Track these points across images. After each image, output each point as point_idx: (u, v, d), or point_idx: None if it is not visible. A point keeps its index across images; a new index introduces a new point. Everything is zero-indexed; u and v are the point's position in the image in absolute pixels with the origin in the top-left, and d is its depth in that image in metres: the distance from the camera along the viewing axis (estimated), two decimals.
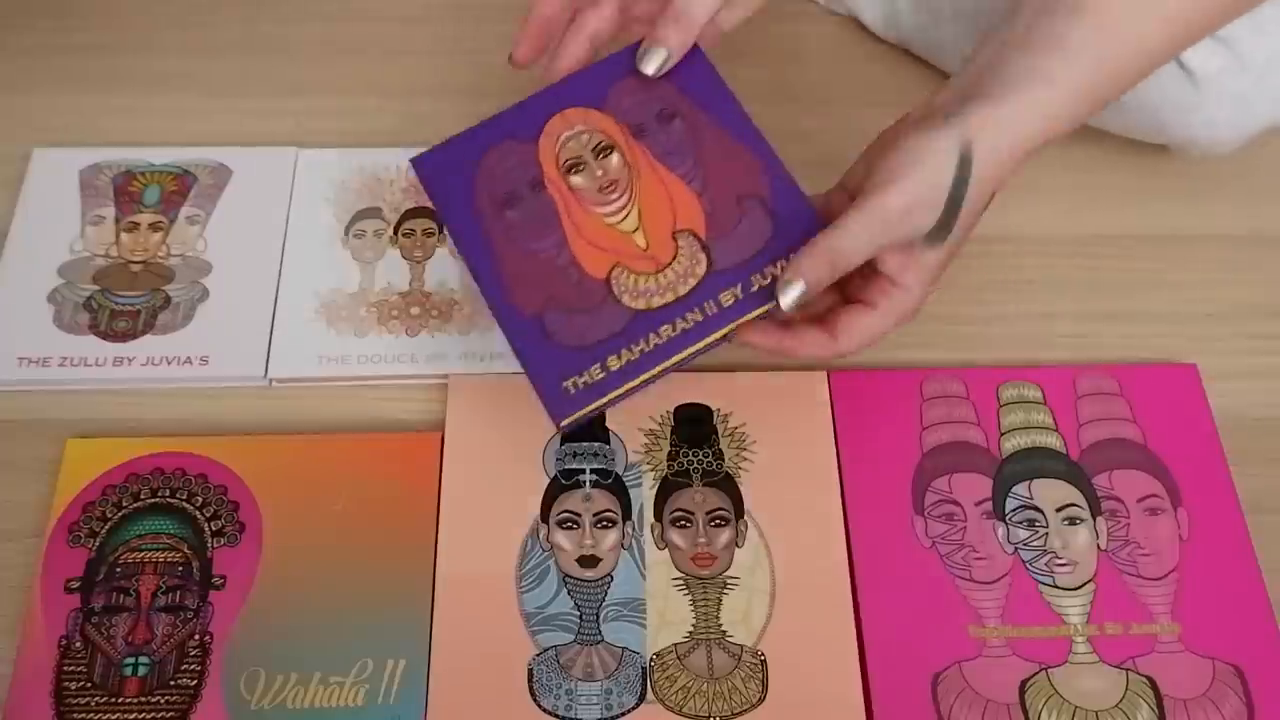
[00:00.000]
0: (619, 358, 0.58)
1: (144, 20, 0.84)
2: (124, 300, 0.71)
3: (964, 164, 0.54)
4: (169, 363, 0.69)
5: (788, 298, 0.56)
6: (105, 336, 0.70)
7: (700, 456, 0.66)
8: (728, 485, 0.65)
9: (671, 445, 0.66)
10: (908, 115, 0.60)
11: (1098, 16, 0.55)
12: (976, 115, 0.54)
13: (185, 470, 0.65)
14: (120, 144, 0.77)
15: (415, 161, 0.63)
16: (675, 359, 0.58)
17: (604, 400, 0.58)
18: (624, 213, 0.61)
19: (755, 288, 0.58)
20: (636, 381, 0.58)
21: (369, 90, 0.81)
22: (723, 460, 0.66)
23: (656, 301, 0.59)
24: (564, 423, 0.58)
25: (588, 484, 0.65)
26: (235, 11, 0.85)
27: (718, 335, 0.58)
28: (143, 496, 0.64)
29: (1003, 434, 0.67)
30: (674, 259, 0.59)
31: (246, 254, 0.73)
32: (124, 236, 0.74)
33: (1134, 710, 0.59)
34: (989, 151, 0.55)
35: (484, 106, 0.63)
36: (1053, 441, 0.67)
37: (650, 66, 0.61)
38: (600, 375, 0.58)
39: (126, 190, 0.75)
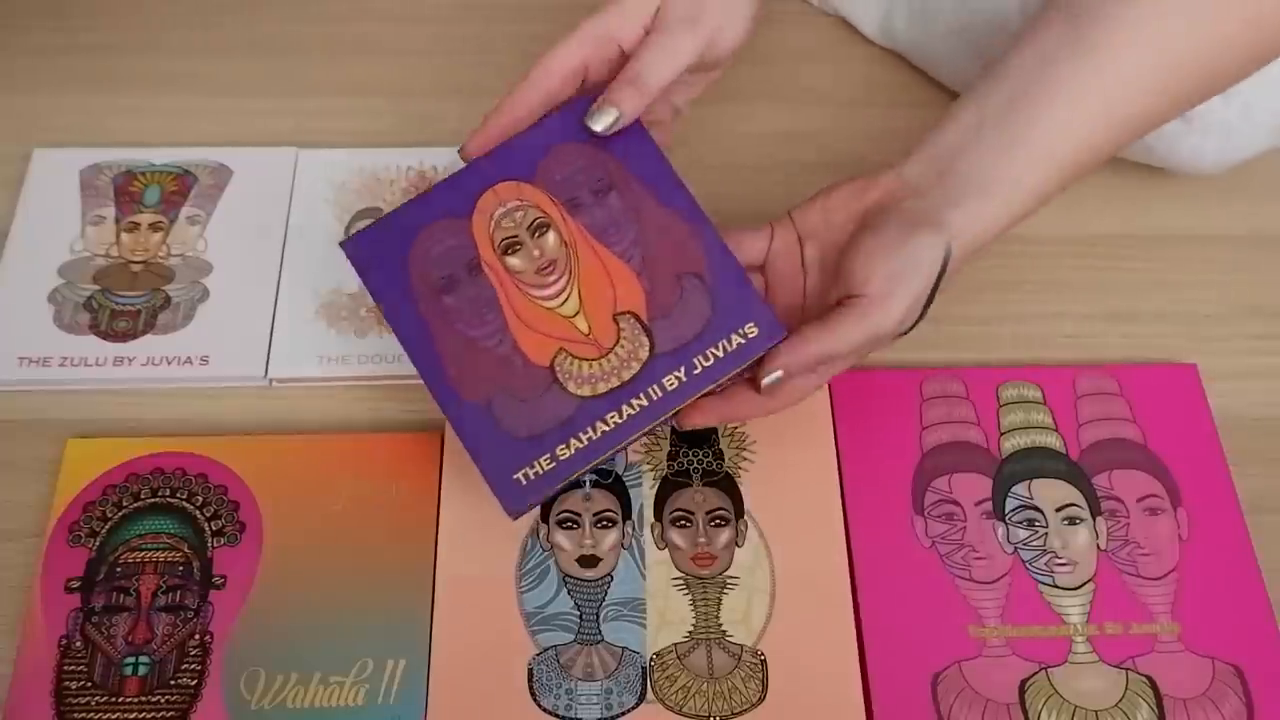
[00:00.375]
0: (568, 447, 0.57)
1: (146, 21, 0.85)
2: (124, 300, 0.71)
3: (945, 264, 0.57)
4: (169, 363, 0.69)
5: (768, 380, 0.57)
6: (105, 336, 0.70)
7: (700, 456, 0.66)
8: (728, 485, 0.65)
9: (671, 445, 0.66)
10: (879, 183, 0.60)
11: (1069, 111, 0.57)
12: (957, 218, 0.57)
13: (185, 470, 0.65)
14: (121, 144, 0.77)
15: (345, 245, 0.61)
16: (622, 444, 0.58)
17: (555, 488, 0.58)
18: (563, 295, 0.59)
19: (698, 369, 0.58)
20: (586, 468, 0.58)
21: (369, 90, 0.81)
22: (723, 460, 0.66)
23: (601, 388, 0.58)
24: (517, 513, 0.58)
25: (588, 483, 0.65)
26: (237, 12, 0.85)
27: (663, 419, 0.58)
28: (143, 496, 0.64)
29: (1002, 434, 0.67)
30: (617, 343, 0.59)
31: (247, 254, 0.73)
32: (124, 236, 0.74)
33: (1134, 710, 0.59)
34: (960, 251, 0.58)
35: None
36: (1052, 441, 0.67)
37: (599, 125, 0.59)
38: (550, 465, 0.57)
39: (127, 190, 0.75)
